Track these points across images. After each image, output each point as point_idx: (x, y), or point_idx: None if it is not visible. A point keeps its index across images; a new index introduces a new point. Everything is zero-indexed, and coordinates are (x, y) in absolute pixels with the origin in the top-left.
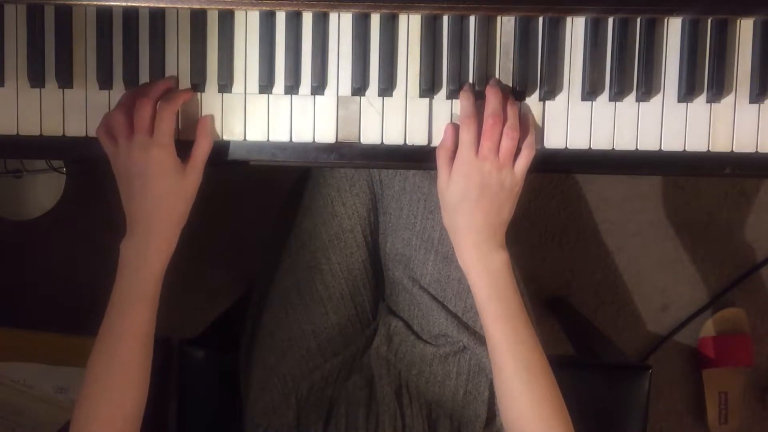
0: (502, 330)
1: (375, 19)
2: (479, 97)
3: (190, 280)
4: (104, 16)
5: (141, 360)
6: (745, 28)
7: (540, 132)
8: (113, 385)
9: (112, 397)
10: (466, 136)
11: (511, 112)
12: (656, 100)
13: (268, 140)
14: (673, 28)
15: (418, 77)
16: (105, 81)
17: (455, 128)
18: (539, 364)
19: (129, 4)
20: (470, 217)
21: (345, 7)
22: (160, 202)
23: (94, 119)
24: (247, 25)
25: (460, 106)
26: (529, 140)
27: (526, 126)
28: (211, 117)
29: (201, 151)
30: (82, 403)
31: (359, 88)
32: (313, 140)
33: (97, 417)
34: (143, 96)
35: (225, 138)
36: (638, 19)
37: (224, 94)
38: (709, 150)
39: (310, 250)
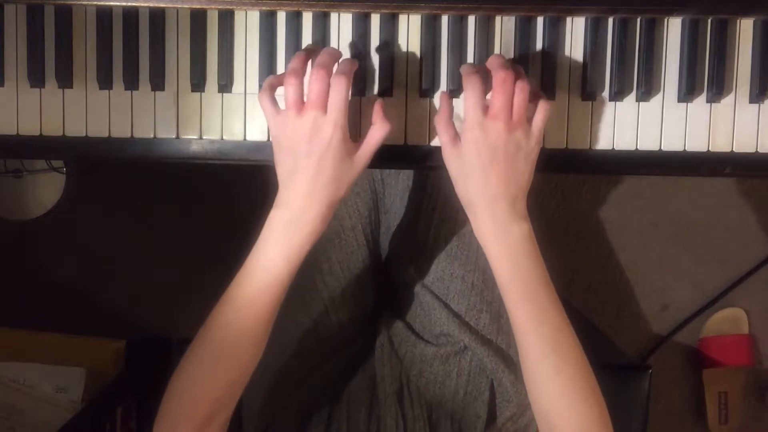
0: (527, 311)
1: (375, 19)
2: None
3: (188, 280)
4: (104, 16)
5: (257, 336)
6: (745, 28)
7: None
8: (224, 352)
9: (221, 365)
10: (472, 96)
11: (519, 70)
12: (656, 99)
13: (268, 140)
14: (673, 28)
15: (418, 77)
16: (105, 81)
17: (449, 94)
18: (568, 345)
19: (129, 4)
20: (484, 184)
21: (345, 7)
22: (325, 186)
23: (94, 119)
24: (247, 25)
25: (462, 72)
26: (543, 98)
27: (535, 88)
28: (382, 101)
29: (376, 137)
30: (185, 366)
31: (359, 87)
32: None
33: (202, 382)
34: (320, 66)
35: (225, 138)
36: (638, 19)
37: (224, 94)
38: (709, 150)
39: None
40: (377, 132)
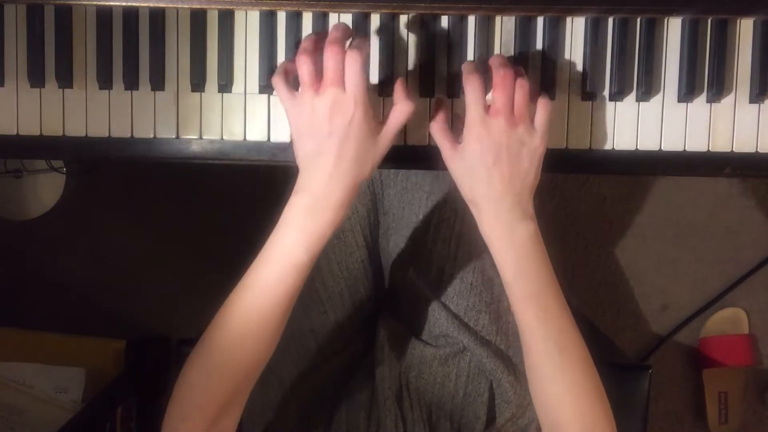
0: (531, 310)
1: (375, 19)
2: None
3: (188, 280)
4: (104, 16)
5: (275, 322)
6: (745, 28)
7: None
8: (243, 337)
9: (237, 353)
10: (472, 95)
11: (519, 69)
12: (656, 99)
13: (268, 140)
14: (673, 28)
15: (418, 77)
16: (105, 81)
17: (443, 99)
18: (573, 345)
19: (129, 4)
20: (488, 184)
21: (345, 7)
22: (348, 168)
23: (94, 119)
24: (247, 25)
25: (462, 71)
26: (543, 96)
27: (534, 87)
28: (403, 80)
29: (399, 117)
30: (199, 356)
31: None
32: None
33: (220, 370)
34: (333, 42)
35: (225, 138)
36: (638, 19)
37: (224, 94)
38: (709, 150)
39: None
40: (400, 112)
